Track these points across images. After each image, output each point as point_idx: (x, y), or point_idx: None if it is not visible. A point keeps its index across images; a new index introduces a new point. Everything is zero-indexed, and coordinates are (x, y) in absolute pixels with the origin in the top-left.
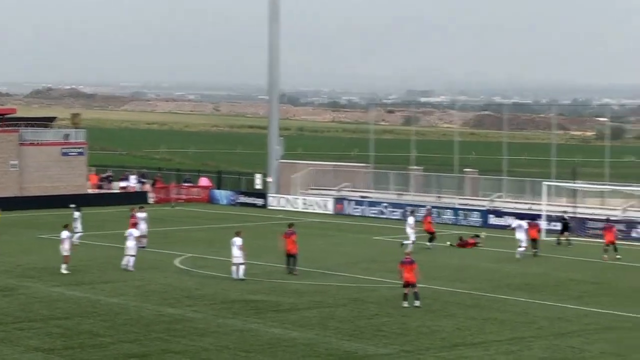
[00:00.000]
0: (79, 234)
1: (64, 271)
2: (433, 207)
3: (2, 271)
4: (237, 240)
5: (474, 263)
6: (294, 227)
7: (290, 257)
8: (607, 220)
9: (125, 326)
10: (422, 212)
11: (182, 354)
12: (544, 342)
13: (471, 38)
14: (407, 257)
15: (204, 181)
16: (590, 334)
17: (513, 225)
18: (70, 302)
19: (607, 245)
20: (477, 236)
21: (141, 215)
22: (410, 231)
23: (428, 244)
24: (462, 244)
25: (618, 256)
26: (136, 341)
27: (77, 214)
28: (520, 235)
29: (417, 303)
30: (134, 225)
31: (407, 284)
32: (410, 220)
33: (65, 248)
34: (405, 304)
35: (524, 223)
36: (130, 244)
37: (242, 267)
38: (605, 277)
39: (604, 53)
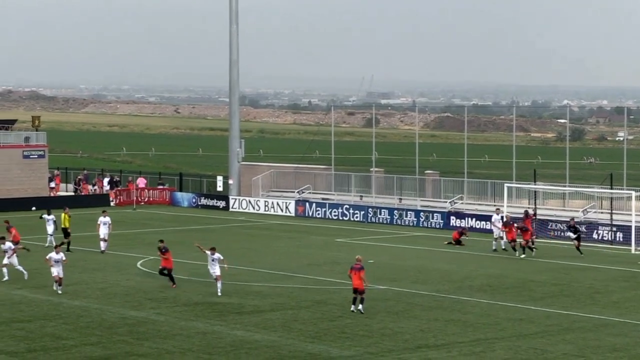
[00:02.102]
0: (51, 237)
1: (59, 292)
2: (396, 209)
3: None
4: (217, 255)
5: (435, 264)
6: (165, 243)
7: (166, 271)
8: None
9: (88, 329)
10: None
11: (146, 356)
12: (506, 344)
13: (430, 40)
14: (358, 262)
15: (141, 182)
16: (552, 335)
17: None
18: (33, 305)
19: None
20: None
21: (103, 219)
22: (497, 229)
23: (523, 256)
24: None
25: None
26: (99, 344)
27: (48, 217)
28: None
29: (360, 307)
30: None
31: (356, 290)
32: (496, 217)
33: (55, 270)
34: (353, 308)
35: None
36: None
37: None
38: (566, 279)
39: (563, 56)
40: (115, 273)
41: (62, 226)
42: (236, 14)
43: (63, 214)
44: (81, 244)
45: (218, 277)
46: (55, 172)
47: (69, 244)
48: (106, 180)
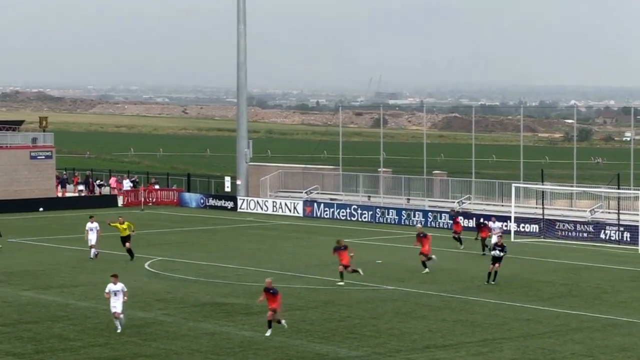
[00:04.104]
0: None
1: None
2: (404, 209)
3: None
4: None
5: (443, 265)
6: None
7: None
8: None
9: (96, 330)
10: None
11: (154, 357)
12: (514, 344)
13: (437, 40)
14: (270, 285)
15: (113, 181)
16: (560, 335)
17: None
18: (40, 306)
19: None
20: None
21: (91, 225)
22: (495, 238)
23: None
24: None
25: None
26: (107, 345)
27: None
28: None
29: (283, 321)
30: None
31: (274, 310)
32: (493, 225)
33: None
34: (269, 333)
35: None
36: None
37: (122, 317)
38: (574, 279)
39: (571, 55)
40: (123, 274)
41: (122, 235)
42: (243, 14)
43: (118, 225)
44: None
45: (117, 314)
46: (76, 173)
47: (130, 251)
48: (125, 182)
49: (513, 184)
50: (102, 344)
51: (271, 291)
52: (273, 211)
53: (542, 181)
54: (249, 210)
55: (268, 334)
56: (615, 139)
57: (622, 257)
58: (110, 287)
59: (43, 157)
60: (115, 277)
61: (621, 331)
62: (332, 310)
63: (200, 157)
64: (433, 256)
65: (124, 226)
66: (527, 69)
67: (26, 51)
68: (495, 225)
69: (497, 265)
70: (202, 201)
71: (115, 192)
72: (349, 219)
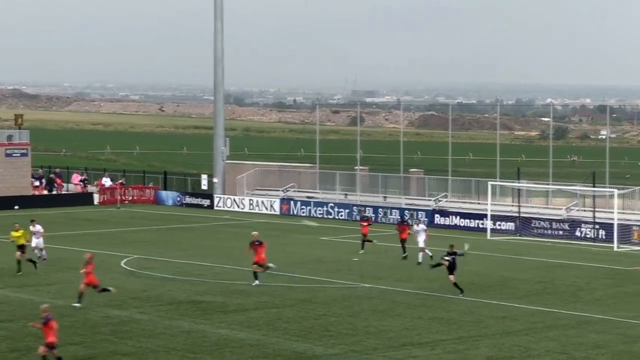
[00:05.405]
0: None
1: None
2: (380, 207)
3: None
4: None
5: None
6: None
7: None
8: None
9: (72, 328)
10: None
11: (130, 355)
12: (490, 341)
13: (413, 38)
14: (47, 314)
15: (75, 179)
16: (535, 332)
17: None
18: (15, 304)
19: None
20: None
21: (33, 229)
22: (421, 240)
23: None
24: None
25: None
26: (83, 343)
27: None
28: None
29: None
30: None
31: (50, 346)
32: (416, 229)
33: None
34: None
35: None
36: None
37: None
38: (549, 276)
39: (547, 54)
40: (99, 272)
41: (17, 244)
42: (221, 10)
43: (13, 232)
44: (64, 243)
45: None
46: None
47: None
48: (105, 179)
49: (489, 182)
50: (78, 343)
51: (44, 321)
52: (250, 209)
53: (518, 179)
54: (226, 208)
55: None
56: (591, 137)
57: (597, 254)
58: None
59: (18, 154)
60: None
61: (596, 328)
62: (309, 308)
63: (176, 155)
64: (271, 264)
65: (18, 234)
66: (503, 68)
67: (1, 49)
68: (420, 227)
69: (452, 276)
70: (178, 199)
71: (75, 189)
72: (325, 217)
